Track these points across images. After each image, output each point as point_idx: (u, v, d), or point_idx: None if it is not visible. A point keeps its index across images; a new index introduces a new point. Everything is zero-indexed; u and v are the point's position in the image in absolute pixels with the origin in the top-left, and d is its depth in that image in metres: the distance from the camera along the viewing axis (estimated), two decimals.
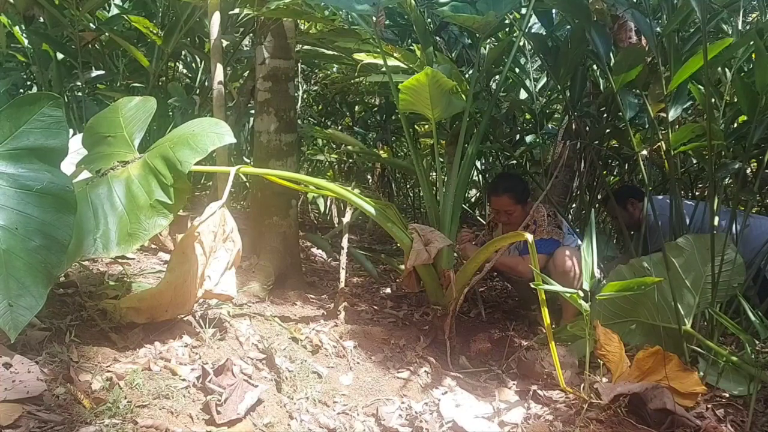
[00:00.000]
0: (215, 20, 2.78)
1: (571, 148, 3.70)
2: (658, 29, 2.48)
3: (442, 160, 3.34)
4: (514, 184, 3.06)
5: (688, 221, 2.74)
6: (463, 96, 2.65)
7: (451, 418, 1.92)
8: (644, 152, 2.96)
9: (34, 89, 4.06)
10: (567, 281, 2.80)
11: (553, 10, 3.19)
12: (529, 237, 2.06)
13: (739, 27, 2.50)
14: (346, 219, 2.93)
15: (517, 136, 4.28)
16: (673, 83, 2.35)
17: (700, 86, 2.58)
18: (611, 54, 2.69)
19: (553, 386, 2.18)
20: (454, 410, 1.96)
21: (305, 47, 3.49)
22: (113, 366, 1.66)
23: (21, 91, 4.02)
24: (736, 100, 2.61)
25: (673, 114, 2.47)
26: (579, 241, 3.04)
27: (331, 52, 3.44)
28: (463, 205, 3.78)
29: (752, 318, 2.07)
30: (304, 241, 3.72)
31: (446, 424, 1.91)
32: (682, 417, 1.85)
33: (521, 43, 3.89)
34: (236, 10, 3.09)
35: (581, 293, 1.96)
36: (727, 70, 2.66)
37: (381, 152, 4.83)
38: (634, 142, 2.68)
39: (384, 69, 2.55)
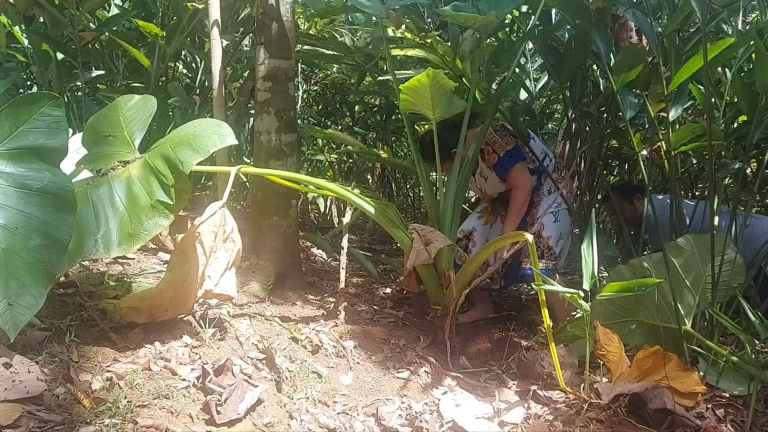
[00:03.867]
0: (215, 20, 2.78)
1: (571, 148, 3.70)
2: (658, 29, 2.48)
3: None
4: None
5: (688, 221, 2.74)
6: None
7: (451, 418, 1.92)
8: (644, 152, 2.96)
9: (34, 89, 4.06)
10: (522, 197, 2.86)
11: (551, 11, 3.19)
12: (530, 237, 2.06)
13: (739, 27, 2.50)
14: (346, 219, 2.93)
15: None
16: (674, 83, 2.35)
17: (700, 86, 2.58)
18: (612, 54, 2.69)
19: (553, 386, 2.18)
20: (454, 410, 1.96)
21: (305, 47, 3.49)
22: (113, 366, 1.66)
23: (21, 91, 4.03)
24: (736, 100, 2.61)
25: (673, 114, 2.47)
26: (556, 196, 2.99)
27: (331, 52, 3.45)
28: (464, 206, 3.78)
29: (752, 318, 2.07)
30: (304, 241, 3.72)
31: (446, 424, 1.90)
32: (682, 417, 1.85)
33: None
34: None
35: (581, 294, 1.96)
36: (727, 70, 2.66)
37: (381, 152, 4.82)
38: (634, 142, 2.68)
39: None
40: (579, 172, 3.70)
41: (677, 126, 2.66)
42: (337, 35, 4.16)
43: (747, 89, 2.28)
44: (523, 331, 2.98)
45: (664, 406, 1.83)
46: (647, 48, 2.54)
